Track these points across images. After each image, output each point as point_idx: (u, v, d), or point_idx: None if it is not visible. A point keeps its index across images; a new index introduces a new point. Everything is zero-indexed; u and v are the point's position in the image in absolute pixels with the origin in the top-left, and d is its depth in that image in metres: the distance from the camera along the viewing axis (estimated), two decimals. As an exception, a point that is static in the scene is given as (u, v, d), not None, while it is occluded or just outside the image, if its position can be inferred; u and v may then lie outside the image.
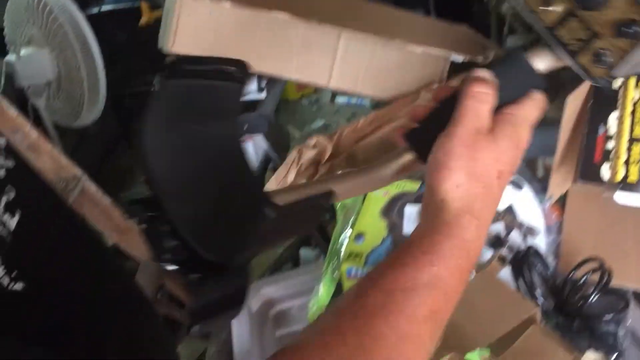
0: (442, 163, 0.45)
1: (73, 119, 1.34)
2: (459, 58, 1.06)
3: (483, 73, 0.48)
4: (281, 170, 1.06)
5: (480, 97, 0.46)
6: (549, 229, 0.81)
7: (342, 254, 0.82)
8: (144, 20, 1.33)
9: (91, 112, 1.33)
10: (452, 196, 0.44)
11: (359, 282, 0.43)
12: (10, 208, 0.39)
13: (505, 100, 0.48)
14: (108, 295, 0.52)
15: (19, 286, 0.36)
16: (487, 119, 0.46)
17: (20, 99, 1.30)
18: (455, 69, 1.08)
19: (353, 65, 1.08)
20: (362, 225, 0.82)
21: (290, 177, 1.05)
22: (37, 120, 1.31)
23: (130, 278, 0.61)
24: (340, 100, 2.34)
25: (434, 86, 1.09)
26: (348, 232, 0.83)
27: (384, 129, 1.06)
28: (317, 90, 2.47)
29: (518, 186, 0.84)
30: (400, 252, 0.43)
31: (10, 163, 0.43)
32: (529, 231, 0.80)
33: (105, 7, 1.50)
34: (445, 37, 1.09)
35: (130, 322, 0.55)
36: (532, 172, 0.89)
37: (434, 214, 0.44)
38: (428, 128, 0.49)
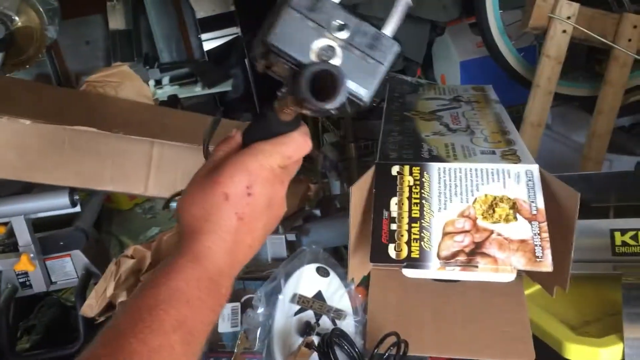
0: (182, 197, 0.54)
1: None
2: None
3: (232, 132, 0.56)
4: (100, 284, 1.02)
5: (215, 153, 0.54)
6: (356, 310, 0.86)
7: None
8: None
9: None
10: (182, 219, 0.52)
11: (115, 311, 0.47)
12: None
13: None
14: None
15: None
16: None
17: None
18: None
19: (169, 171, 1.11)
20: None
21: (110, 290, 1.01)
22: None
23: None
24: (175, 205, 2.33)
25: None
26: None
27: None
28: (150, 198, 2.45)
29: (325, 273, 0.88)
30: (146, 278, 0.48)
31: None
32: (337, 315, 0.84)
33: None
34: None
35: None
36: (339, 258, 0.96)
37: (176, 236, 0.51)
38: None
